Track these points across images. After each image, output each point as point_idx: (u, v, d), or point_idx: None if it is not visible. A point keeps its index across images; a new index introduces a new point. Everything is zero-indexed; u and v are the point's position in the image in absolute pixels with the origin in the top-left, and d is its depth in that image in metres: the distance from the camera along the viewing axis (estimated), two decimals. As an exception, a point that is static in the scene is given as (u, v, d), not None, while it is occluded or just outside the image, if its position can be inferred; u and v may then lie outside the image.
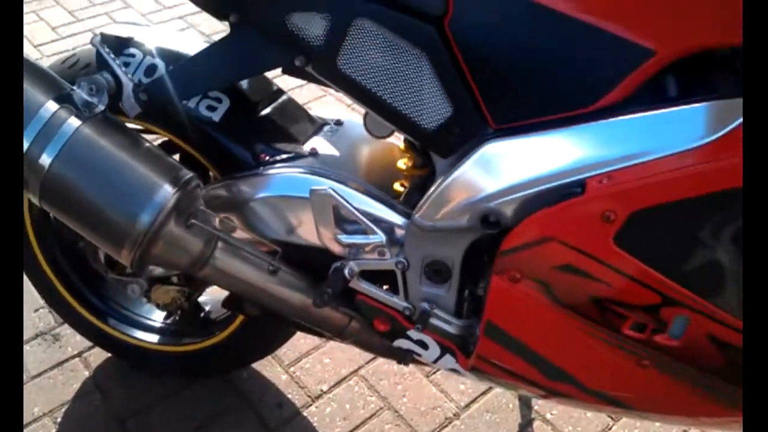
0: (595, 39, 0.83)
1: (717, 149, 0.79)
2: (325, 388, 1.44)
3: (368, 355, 1.47)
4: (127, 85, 1.01)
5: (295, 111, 1.16)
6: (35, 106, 0.91)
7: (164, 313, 1.38)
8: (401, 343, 1.10)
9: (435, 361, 1.10)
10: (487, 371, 1.06)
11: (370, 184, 1.08)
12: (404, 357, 1.13)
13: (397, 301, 1.06)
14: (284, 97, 1.17)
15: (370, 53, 0.92)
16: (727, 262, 0.84)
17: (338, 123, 1.18)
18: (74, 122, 0.92)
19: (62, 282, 1.38)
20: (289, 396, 1.42)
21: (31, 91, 0.91)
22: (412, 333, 1.08)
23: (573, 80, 0.85)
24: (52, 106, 0.92)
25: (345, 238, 1.03)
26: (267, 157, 1.09)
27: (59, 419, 1.36)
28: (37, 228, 1.31)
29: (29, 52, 2.44)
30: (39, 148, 0.90)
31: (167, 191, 0.93)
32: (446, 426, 1.37)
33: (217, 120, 1.08)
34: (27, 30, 2.57)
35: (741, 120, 0.77)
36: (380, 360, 1.48)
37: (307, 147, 1.11)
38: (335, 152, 1.12)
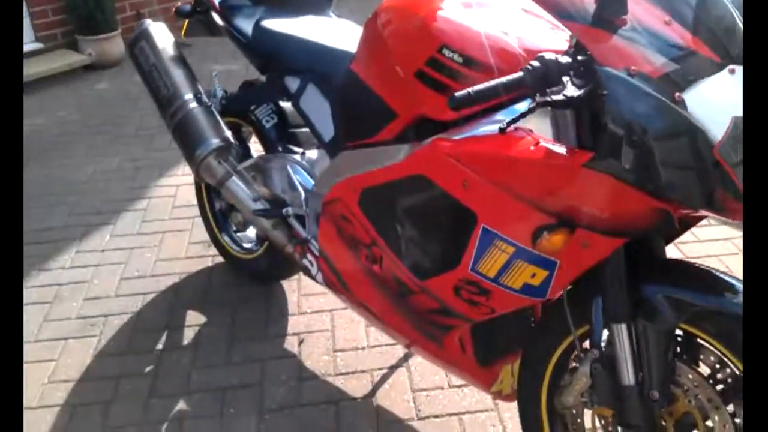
0: (374, 99, 1.63)
1: (401, 164, 1.53)
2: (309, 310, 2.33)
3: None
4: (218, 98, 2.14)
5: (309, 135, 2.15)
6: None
7: (240, 234, 2.45)
8: (304, 261, 1.97)
9: (315, 275, 1.93)
10: (329, 283, 1.87)
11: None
12: (306, 271, 1.99)
13: (304, 234, 1.94)
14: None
15: (315, 97, 1.88)
16: (400, 226, 1.55)
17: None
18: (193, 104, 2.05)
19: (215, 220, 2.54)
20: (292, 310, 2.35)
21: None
22: (308, 255, 1.94)
23: (368, 121, 1.66)
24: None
25: (290, 193, 1.97)
26: (281, 150, 2.09)
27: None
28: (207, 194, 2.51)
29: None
30: None
31: (214, 142, 2.00)
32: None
33: (267, 126, 2.12)
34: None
35: (408, 150, 1.51)
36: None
37: (301, 150, 2.08)
38: (313, 156, 2.06)
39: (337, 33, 1.91)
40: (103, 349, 2.22)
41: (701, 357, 1.33)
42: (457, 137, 1.41)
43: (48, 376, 2.12)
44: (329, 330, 2.26)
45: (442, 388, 1.98)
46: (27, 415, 1.96)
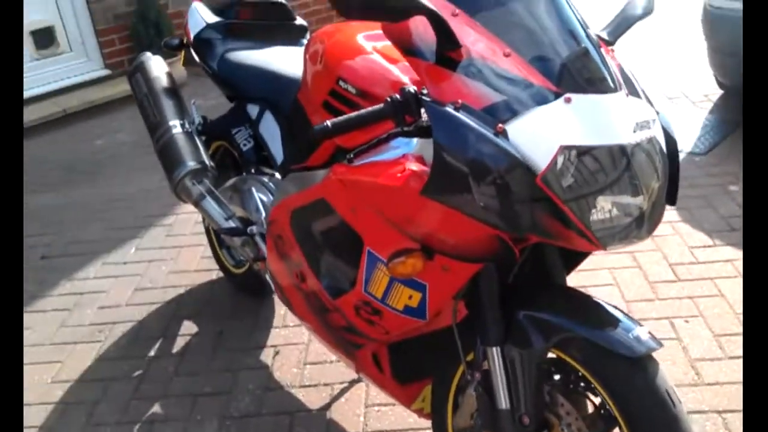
0: (309, 125, 1.72)
1: (313, 188, 1.62)
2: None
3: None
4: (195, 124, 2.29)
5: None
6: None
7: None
8: (267, 277, 2.08)
9: (275, 291, 2.04)
10: (280, 298, 1.96)
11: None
12: (270, 286, 2.09)
13: (265, 252, 2.06)
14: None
15: (270, 123, 2.00)
16: (316, 247, 1.63)
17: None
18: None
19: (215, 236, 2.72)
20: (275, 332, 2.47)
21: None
22: (263, 268, 2.06)
23: (305, 147, 1.76)
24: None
25: (254, 214, 2.09)
26: (253, 171, 2.22)
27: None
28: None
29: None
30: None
31: (190, 165, 2.15)
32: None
33: (244, 149, 2.25)
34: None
35: (323, 174, 1.60)
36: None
37: (272, 173, 2.20)
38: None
39: (296, 62, 2.02)
40: (103, 354, 2.43)
41: (577, 387, 1.32)
42: (356, 164, 1.48)
43: (52, 376, 2.34)
44: (304, 343, 2.35)
45: (394, 405, 2.03)
46: (26, 411, 2.19)
